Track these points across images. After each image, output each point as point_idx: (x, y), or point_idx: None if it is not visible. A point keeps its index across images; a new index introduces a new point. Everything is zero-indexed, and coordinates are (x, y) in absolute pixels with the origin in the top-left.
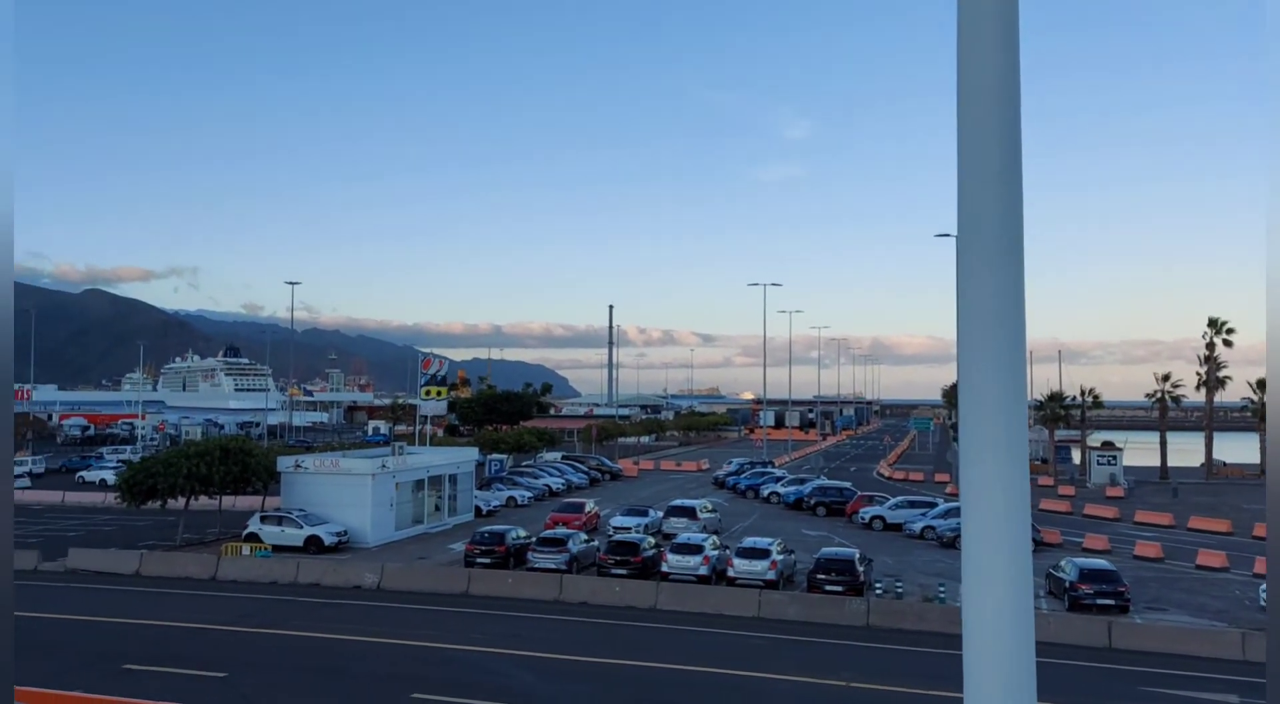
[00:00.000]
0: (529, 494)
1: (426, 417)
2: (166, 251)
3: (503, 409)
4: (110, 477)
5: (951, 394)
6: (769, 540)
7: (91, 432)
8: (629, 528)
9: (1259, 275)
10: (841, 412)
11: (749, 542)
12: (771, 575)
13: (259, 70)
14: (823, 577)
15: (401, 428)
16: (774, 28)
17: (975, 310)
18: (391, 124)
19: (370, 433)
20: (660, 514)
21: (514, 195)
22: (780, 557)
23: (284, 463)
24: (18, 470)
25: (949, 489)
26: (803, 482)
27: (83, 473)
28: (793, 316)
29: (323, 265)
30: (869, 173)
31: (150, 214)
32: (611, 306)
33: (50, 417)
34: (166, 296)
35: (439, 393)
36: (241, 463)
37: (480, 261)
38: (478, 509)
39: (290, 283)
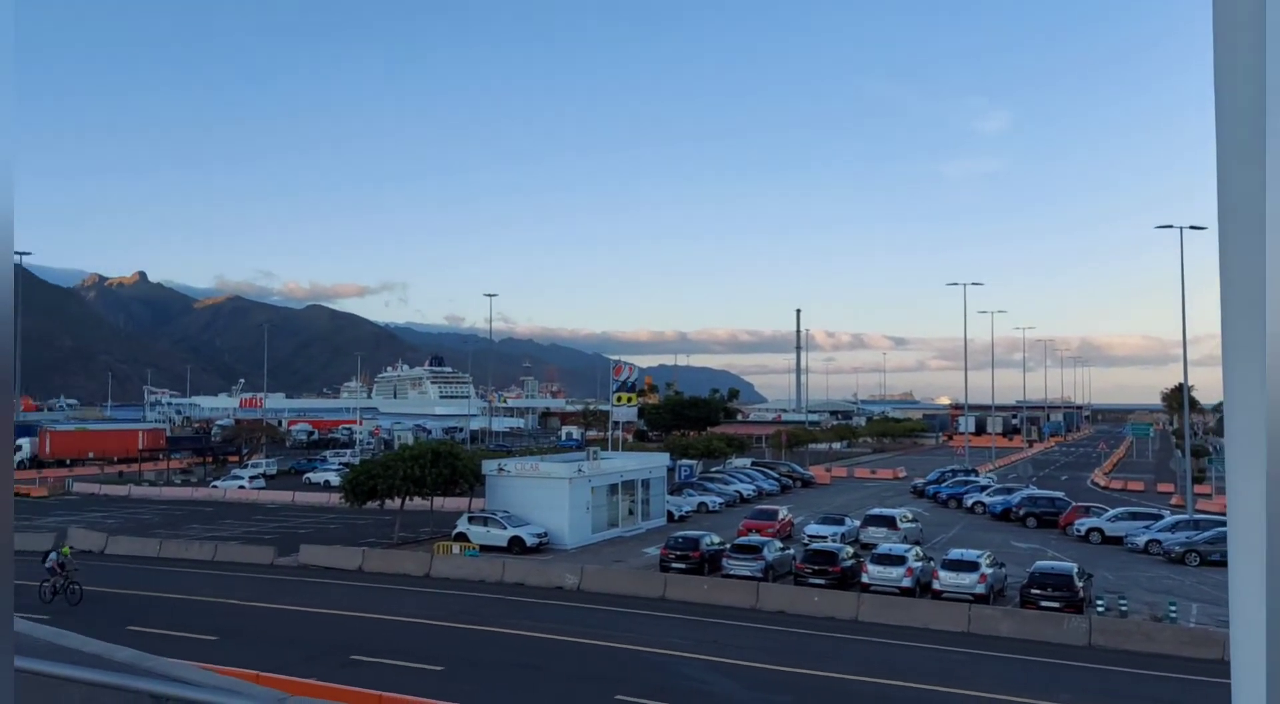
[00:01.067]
0: (720, 500)
1: (618, 422)
2: (379, 269)
3: (689, 415)
4: (333, 478)
5: (1173, 397)
6: (977, 552)
7: (316, 436)
8: (824, 536)
9: None
10: (1049, 417)
11: (955, 553)
12: (981, 589)
13: (458, 85)
14: (1038, 591)
15: (593, 433)
16: (960, 18)
17: (1240, 307)
18: (578, 135)
19: (563, 438)
20: (857, 523)
21: (700, 201)
22: (990, 569)
23: (488, 466)
24: (255, 472)
25: (1174, 500)
26: (1010, 491)
27: (309, 474)
28: (994, 317)
29: (519, 277)
30: (1073, 164)
31: (366, 234)
32: (799, 311)
33: (280, 422)
34: (379, 310)
35: (629, 399)
36: (451, 466)
37: (667, 269)
38: (669, 514)
39: (488, 295)
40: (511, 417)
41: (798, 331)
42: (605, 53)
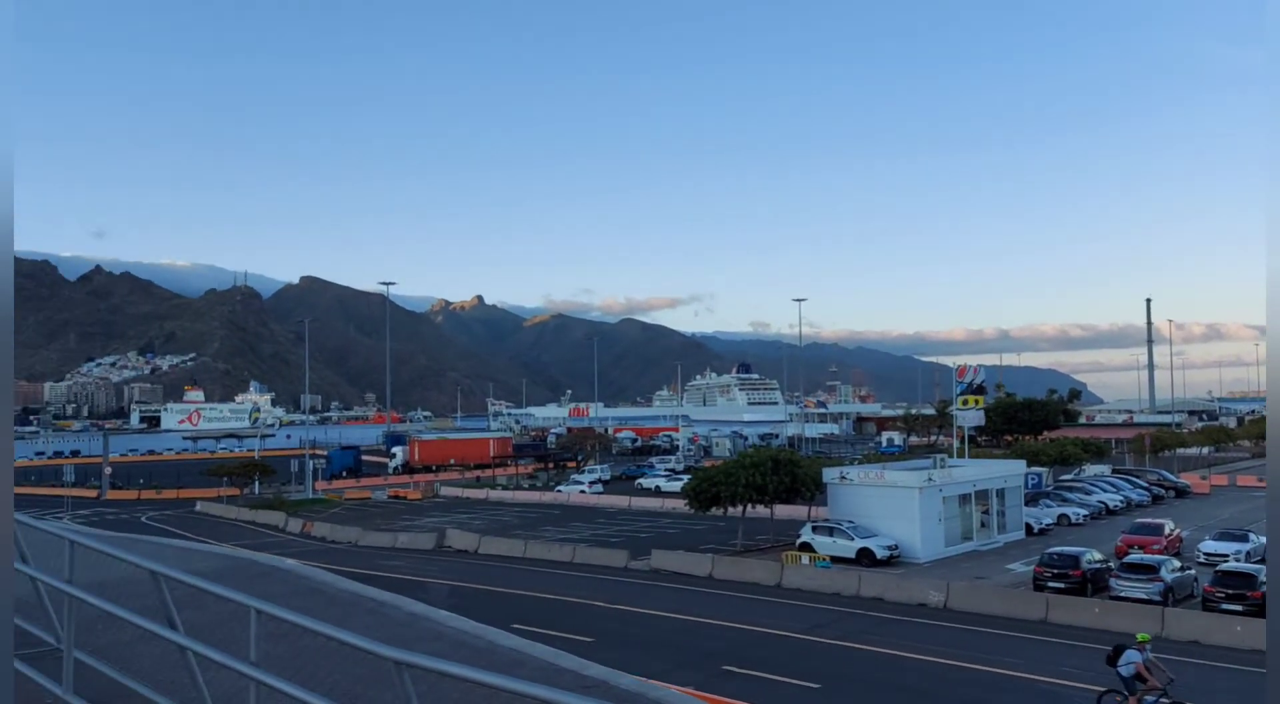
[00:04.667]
0: (1083, 512)
1: (965, 428)
2: (689, 281)
3: (1024, 418)
4: (663, 483)
5: None
6: None
7: (639, 443)
8: (1225, 555)
9: None
10: None
11: None
12: None
13: (763, 94)
14: None
15: (914, 439)
16: None
17: None
18: (884, 134)
19: (884, 444)
20: (1263, 540)
21: (1026, 193)
22: None
23: (829, 474)
24: (593, 478)
25: None
26: None
27: (640, 480)
28: None
29: (825, 281)
30: None
31: (677, 249)
32: (1149, 300)
33: (606, 430)
34: (687, 321)
35: (976, 402)
36: (791, 474)
37: (986, 264)
38: (1028, 527)
39: (797, 300)
40: (824, 422)
41: (1148, 323)
42: (922, 46)
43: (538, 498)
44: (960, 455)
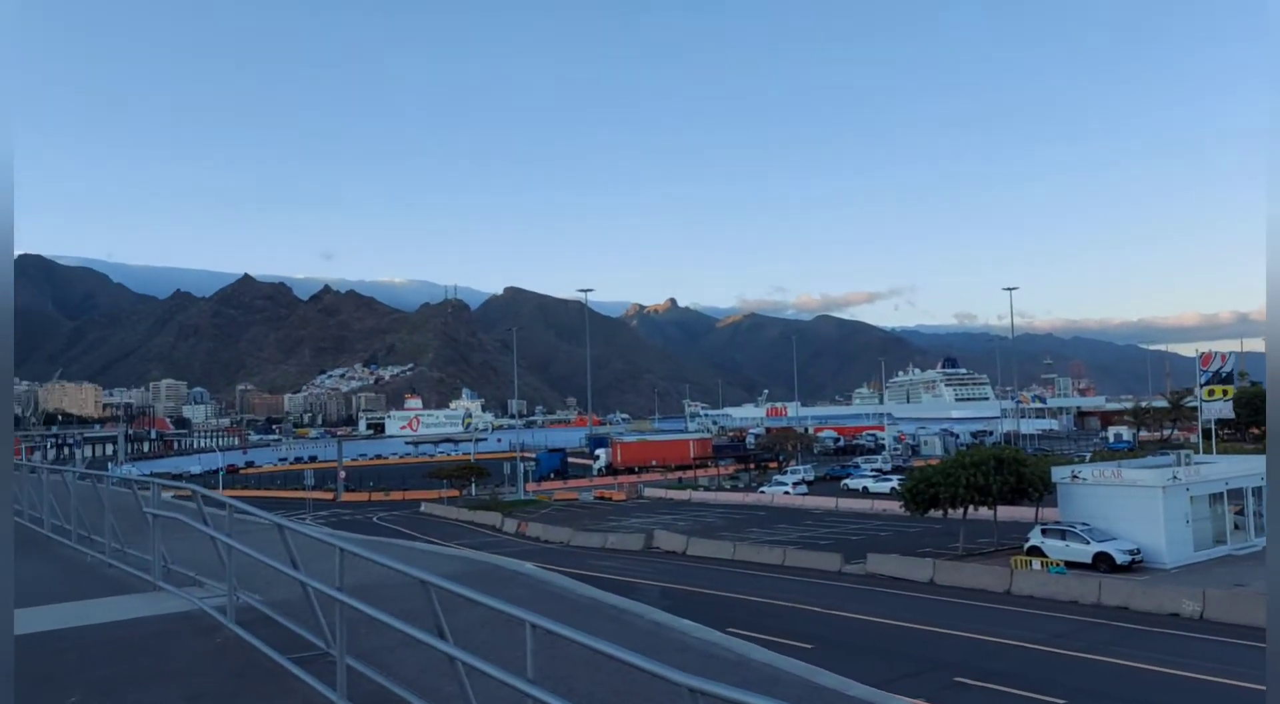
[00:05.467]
0: None
1: (1212, 421)
2: (888, 274)
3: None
4: (870, 484)
5: None
6: None
7: (841, 443)
8: None
9: None
10: None
11: None
12: None
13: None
14: None
15: (1144, 434)
16: None
17: None
18: (1105, 114)
19: (1111, 439)
20: None
21: (1250, 148)
22: None
23: (1059, 473)
24: (796, 478)
25: None
26: None
27: (846, 481)
28: None
29: (1036, 269)
30: None
31: (875, 243)
32: None
33: (806, 429)
34: (886, 315)
35: (1225, 392)
36: (1016, 473)
37: (1219, 240)
38: None
39: (1008, 289)
40: (1041, 418)
41: None
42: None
43: (740, 499)
44: (1204, 451)
